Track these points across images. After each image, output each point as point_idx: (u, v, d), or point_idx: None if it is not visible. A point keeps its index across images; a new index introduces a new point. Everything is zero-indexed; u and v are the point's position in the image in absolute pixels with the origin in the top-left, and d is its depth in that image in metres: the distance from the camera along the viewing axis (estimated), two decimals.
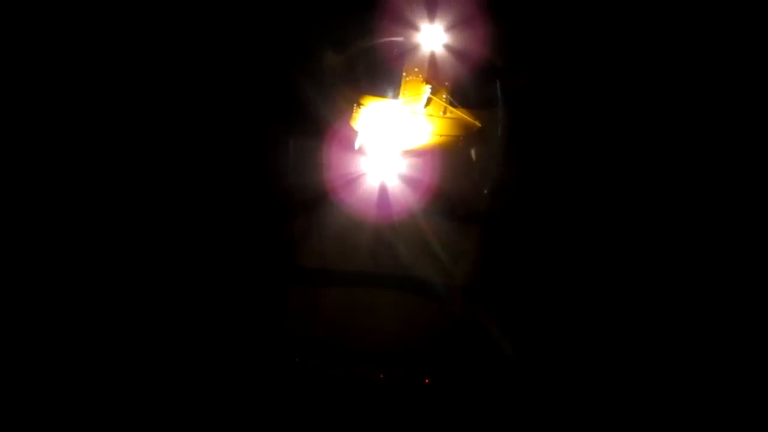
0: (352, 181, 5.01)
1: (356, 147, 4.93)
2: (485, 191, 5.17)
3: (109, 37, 6.21)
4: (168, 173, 5.60)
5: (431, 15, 5.05)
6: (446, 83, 5.12)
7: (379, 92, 5.07)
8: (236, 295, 5.74)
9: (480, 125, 5.05)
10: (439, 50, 5.07)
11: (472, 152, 5.12)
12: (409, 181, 5.02)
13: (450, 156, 5.09)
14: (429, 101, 5.08)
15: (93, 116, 6.23)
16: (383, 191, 5.02)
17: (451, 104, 5.04)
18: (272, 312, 5.54)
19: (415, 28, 5.07)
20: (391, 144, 4.91)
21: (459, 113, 4.96)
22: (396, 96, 5.04)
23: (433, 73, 5.09)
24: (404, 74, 5.12)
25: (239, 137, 5.25)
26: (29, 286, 6.14)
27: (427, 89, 4.99)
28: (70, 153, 6.20)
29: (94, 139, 6.23)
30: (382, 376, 5.51)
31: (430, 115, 5.03)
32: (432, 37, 5.01)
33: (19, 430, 5.88)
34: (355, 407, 5.65)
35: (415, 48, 5.11)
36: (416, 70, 5.16)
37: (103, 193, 6.19)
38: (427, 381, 5.58)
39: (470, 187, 5.16)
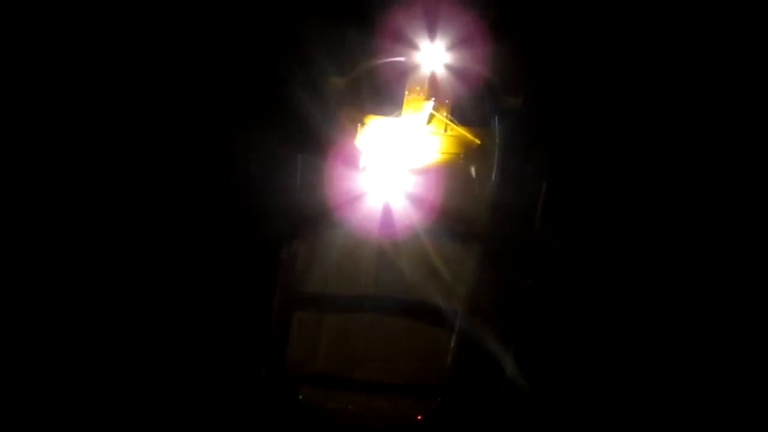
0: (355, 199, 5.08)
1: (360, 165, 5.00)
2: (484, 209, 5.29)
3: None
4: (167, 187, 5.60)
5: (431, 34, 5.18)
6: (447, 101, 5.22)
7: (382, 111, 5.18)
8: (234, 321, 5.75)
9: (479, 143, 5.17)
10: (440, 69, 5.20)
11: (472, 170, 5.24)
12: (411, 200, 5.09)
13: (451, 174, 5.19)
14: (430, 119, 5.18)
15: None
16: (386, 210, 5.09)
17: (451, 122, 5.15)
18: (272, 340, 5.52)
19: (416, 48, 5.19)
20: (394, 162, 4.99)
21: (459, 130, 5.06)
22: (399, 114, 5.16)
23: (434, 91, 5.20)
24: (406, 93, 5.23)
25: (241, 155, 5.30)
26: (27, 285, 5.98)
27: (428, 107, 5.10)
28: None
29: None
30: (386, 407, 5.48)
31: (432, 133, 5.14)
32: (432, 57, 5.12)
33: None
34: None
35: (416, 67, 5.22)
36: (418, 88, 5.26)
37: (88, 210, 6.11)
38: (419, 417, 5.55)
39: (470, 206, 5.27)
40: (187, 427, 5.64)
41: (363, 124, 4.94)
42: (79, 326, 5.89)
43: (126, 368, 5.57)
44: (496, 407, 5.56)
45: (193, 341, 5.63)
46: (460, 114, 5.05)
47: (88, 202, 6.06)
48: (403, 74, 5.02)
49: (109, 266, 5.87)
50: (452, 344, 5.40)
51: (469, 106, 5.10)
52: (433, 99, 4.95)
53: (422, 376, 5.36)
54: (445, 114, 4.99)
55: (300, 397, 5.37)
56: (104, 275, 5.88)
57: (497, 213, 5.24)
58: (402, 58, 5.04)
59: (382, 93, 5.07)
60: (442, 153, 4.97)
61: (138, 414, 5.65)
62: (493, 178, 5.10)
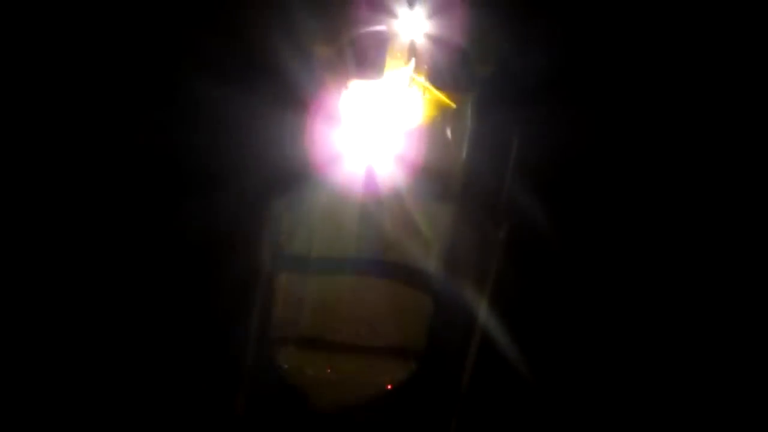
0: (339, 159, 5.28)
1: (344, 127, 5.22)
2: (459, 169, 5.56)
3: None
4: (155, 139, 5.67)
5: (410, 3, 5.46)
6: (425, 67, 5.52)
7: (365, 76, 5.42)
8: (218, 283, 5.82)
9: (455, 106, 5.46)
10: (419, 38, 5.45)
11: (448, 132, 5.52)
12: (392, 160, 5.31)
13: (428, 136, 5.44)
14: (410, 83, 5.45)
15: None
16: (369, 170, 5.31)
17: (429, 86, 5.43)
18: (256, 302, 5.63)
19: (395, 16, 5.48)
20: (376, 123, 5.23)
21: (436, 95, 5.34)
22: (380, 78, 5.41)
23: (413, 57, 5.49)
24: (388, 58, 5.49)
25: (229, 117, 5.43)
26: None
27: (407, 72, 5.37)
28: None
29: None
30: (364, 372, 5.60)
31: (411, 97, 5.40)
32: (411, 25, 5.37)
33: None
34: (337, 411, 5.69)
35: (396, 36, 5.49)
36: (398, 54, 5.54)
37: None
38: (389, 387, 5.71)
39: (446, 165, 5.53)
40: (172, 389, 5.67)
41: (347, 87, 5.18)
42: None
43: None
44: (473, 368, 5.79)
45: (176, 298, 5.72)
46: (437, 79, 5.32)
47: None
48: (384, 41, 5.28)
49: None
50: (430, 306, 5.64)
51: (445, 72, 5.39)
52: (412, 64, 5.24)
53: (401, 339, 5.55)
54: (423, 79, 5.28)
55: (283, 365, 5.47)
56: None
57: (471, 172, 5.53)
58: (383, 27, 5.31)
59: (364, 59, 5.33)
60: (420, 115, 5.25)
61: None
62: (467, 139, 5.40)
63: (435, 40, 5.55)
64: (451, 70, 5.78)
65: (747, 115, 6.01)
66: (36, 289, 5.84)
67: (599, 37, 5.62)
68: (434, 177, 5.60)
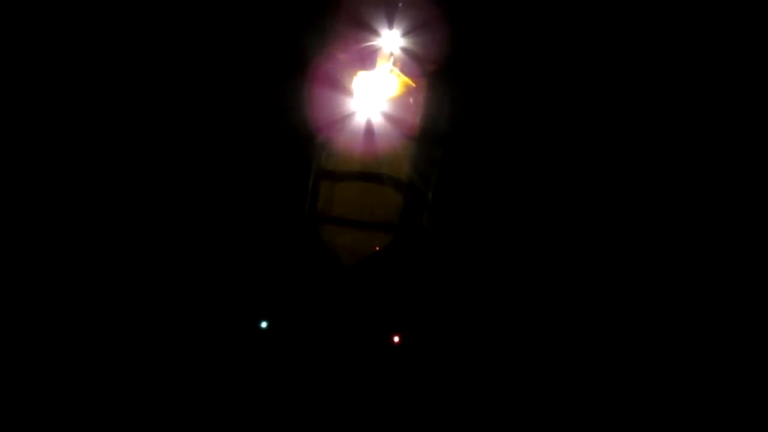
0: (349, 116, 8.58)
1: (354, 98, 8.52)
2: (418, 122, 8.99)
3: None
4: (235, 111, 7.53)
5: (390, 26, 8.67)
6: (398, 64, 8.75)
7: (365, 68, 8.57)
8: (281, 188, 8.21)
9: (415, 85, 9.07)
10: (395, 48, 8.71)
11: (411, 100, 8.93)
12: (382, 117, 8.65)
13: (400, 102, 8.89)
14: (390, 72, 9.02)
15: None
16: (368, 123, 8.54)
17: (401, 73, 8.69)
18: (310, 198, 8.45)
19: (380, 36, 8.76)
20: (372, 95, 8.64)
21: (405, 78, 8.91)
22: (373, 70, 8.79)
23: (392, 58, 8.62)
24: (378, 59, 8.94)
25: (283, 96, 8.14)
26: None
27: (389, 65, 8.87)
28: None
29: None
30: (365, 237, 8.81)
31: (390, 79, 8.69)
32: (392, 40, 8.71)
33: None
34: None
35: (382, 46, 8.71)
36: (384, 56, 8.74)
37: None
38: (377, 249, 8.66)
39: (411, 120, 9.13)
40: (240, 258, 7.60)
41: (356, 75, 9.04)
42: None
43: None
44: (427, 237, 9.58)
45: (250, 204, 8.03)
46: (406, 70, 8.92)
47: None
48: (376, 49, 9.01)
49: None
50: (401, 200, 9.52)
51: (410, 66, 9.01)
52: (391, 62, 9.09)
53: (384, 219, 9.48)
54: (398, 70, 9.09)
55: (323, 235, 9.30)
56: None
57: (425, 122, 9.18)
58: (375, 42, 9.06)
59: (364, 59, 9.06)
60: (396, 91, 9.12)
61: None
62: (422, 104, 9.21)
63: (405, 49, 9.41)
64: (413, 65, 9.58)
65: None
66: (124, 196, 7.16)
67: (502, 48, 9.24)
68: (403, 125, 9.45)
